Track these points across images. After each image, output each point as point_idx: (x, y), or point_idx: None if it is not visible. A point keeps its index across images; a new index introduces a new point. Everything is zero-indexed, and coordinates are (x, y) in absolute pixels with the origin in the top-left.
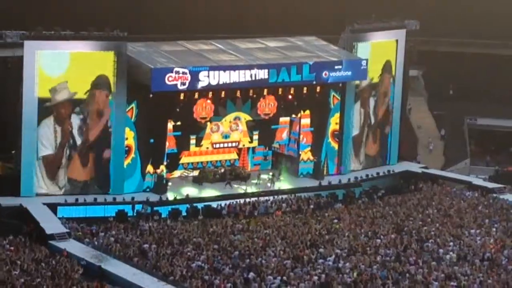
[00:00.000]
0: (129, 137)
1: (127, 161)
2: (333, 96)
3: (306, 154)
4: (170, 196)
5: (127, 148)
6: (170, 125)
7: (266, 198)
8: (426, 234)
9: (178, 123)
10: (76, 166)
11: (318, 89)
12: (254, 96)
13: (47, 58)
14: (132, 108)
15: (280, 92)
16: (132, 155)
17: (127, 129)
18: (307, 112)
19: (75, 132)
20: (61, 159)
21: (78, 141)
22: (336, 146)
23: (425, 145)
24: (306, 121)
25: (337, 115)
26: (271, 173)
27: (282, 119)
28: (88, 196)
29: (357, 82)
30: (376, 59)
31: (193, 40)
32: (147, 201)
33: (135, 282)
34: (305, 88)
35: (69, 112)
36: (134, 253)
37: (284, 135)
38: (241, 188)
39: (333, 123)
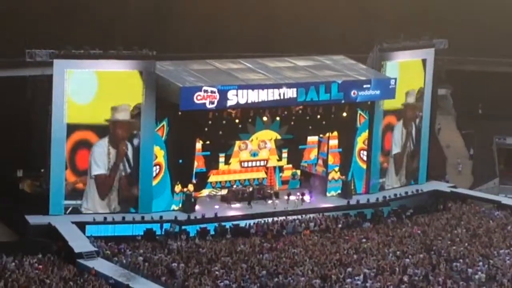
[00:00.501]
0: (159, 155)
1: (157, 180)
2: (360, 115)
3: (333, 174)
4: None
5: (157, 167)
6: (199, 145)
7: (294, 217)
8: (455, 254)
9: (207, 142)
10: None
11: (346, 108)
12: (283, 114)
13: (75, 84)
14: (163, 126)
15: (308, 111)
16: (162, 173)
17: (157, 148)
18: (335, 133)
19: (129, 154)
20: (113, 180)
21: (132, 163)
22: (363, 165)
23: (454, 165)
24: (333, 142)
25: (364, 134)
26: (298, 193)
27: (310, 139)
28: (116, 215)
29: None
30: (405, 78)
31: (221, 59)
32: (175, 220)
33: None
34: (333, 107)
35: (126, 134)
36: (162, 272)
37: (312, 156)
38: (269, 204)
39: (360, 142)
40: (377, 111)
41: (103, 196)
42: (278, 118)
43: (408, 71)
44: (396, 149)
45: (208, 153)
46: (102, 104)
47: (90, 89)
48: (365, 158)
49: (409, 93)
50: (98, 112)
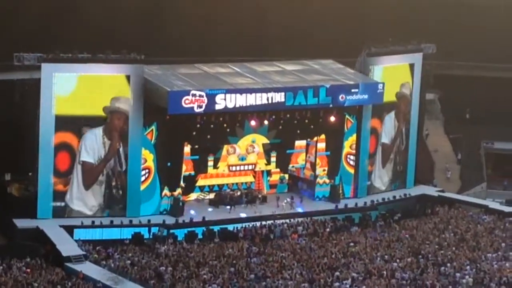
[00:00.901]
0: (149, 159)
1: (146, 184)
2: (347, 119)
3: (322, 178)
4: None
5: (147, 170)
6: (187, 148)
7: (282, 221)
8: (443, 258)
9: (196, 146)
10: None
11: (333, 113)
12: (271, 118)
13: (60, 80)
14: (152, 130)
15: (297, 115)
16: (152, 177)
17: (146, 151)
18: (323, 136)
19: (121, 154)
20: (100, 172)
21: (122, 160)
22: (350, 170)
23: (442, 169)
24: (321, 145)
25: (351, 138)
26: (288, 198)
27: (297, 143)
28: (104, 219)
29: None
30: (393, 82)
31: (210, 63)
32: (163, 224)
33: None
34: (321, 112)
35: (122, 125)
36: (150, 276)
37: (300, 160)
38: (256, 211)
39: (347, 146)
40: (365, 115)
41: (87, 186)
42: (266, 122)
43: (396, 75)
44: (385, 139)
45: (197, 157)
46: (89, 96)
47: (71, 89)
48: (351, 162)
49: (404, 85)
50: (85, 104)
